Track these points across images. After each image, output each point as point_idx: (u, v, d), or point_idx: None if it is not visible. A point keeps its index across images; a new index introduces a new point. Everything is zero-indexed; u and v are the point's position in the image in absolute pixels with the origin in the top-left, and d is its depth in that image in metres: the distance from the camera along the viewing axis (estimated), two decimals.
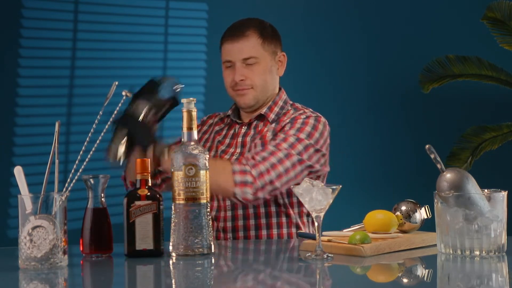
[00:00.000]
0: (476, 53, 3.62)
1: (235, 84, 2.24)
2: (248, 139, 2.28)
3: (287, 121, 2.23)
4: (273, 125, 2.26)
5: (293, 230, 2.23)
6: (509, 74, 3.59)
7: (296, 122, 2.21)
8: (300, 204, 2.23)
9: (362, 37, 3.92)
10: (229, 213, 2.22)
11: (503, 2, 3.49)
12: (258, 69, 2.24)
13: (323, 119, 2.25)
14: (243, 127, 2.32)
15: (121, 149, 2.07)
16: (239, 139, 2.30)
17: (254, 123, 2.30)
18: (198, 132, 2.31)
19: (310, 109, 2.30)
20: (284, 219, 2.22)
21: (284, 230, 2.22)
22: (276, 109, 2.29)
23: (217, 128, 2.39)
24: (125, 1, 3.80)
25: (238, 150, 2.27)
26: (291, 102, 2.34)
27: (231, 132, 2.34)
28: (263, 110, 2.28)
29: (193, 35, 2.31)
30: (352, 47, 3.90)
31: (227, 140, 2.32)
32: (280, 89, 2.34)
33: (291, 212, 2.22)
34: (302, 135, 2.17)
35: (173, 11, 3.84)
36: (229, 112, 2.37)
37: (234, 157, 2.23)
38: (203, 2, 3.85)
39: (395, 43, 3.91)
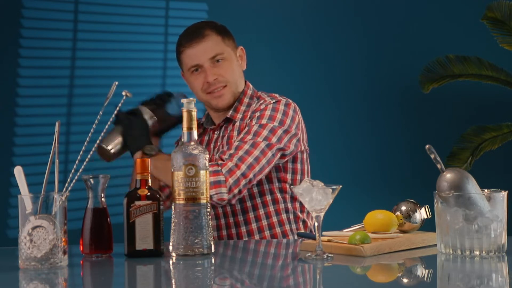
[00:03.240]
0: (476, 53, 3.62)
1: (208, 86, 2.21)
2: (219, 142, 2.28)
3: (249, 115, 2.22)
4: (238, 122, 2.25)
5: (267, 233, 2.20)
6: (509, 74, 3.59)
7: (256, 112, 2.18)
8: (275, 202, 2.20)
9: (362, 37, 3.91)
10: None
11: (503, 2, 3.48)
12: (227, 65, 2.22)
13: (284, 100, 2.21)
14: (215, 132, 2.31)
15: (111, 145, 2.09)
16: (212, 145, 2.30)
17: (224, 126, 2.29)
18: None
19: (277, 95, 2.26)
20: (254, 225, 2.20)
21: (256, 236, 2.20)
22: (243, 107, 2.26)
23: None
24: (125, 1, 3.80)
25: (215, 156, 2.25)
26: (258, 95, 2.29)
27: (206, 138, 2.34)
28: (229, 113, 2.26)
29: None
30: (351, 47, 3.90)
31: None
32: (245, 83, 2.31)
33: (260, 213, 2.20)
34: (264, 121, 2.14)
35: (173, 11, 3.84)
36: (203, 119, 2.37)
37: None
38: (203, 2, 3.85)
39: (395, 43, 3.91)
